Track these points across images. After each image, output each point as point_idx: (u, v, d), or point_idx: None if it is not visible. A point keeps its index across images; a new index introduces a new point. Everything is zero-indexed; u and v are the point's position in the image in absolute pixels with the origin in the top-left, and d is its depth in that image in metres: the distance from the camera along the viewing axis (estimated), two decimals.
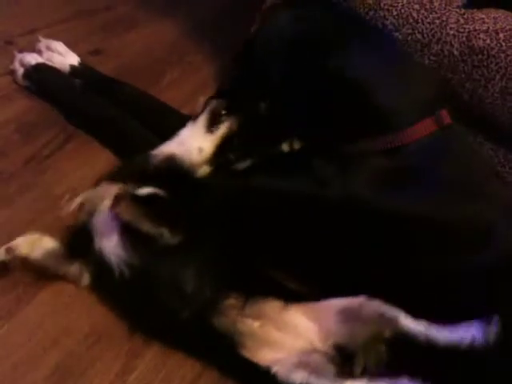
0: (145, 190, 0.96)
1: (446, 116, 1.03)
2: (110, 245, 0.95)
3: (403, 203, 0.94)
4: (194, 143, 1.05)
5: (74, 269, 0.97)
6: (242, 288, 0.94)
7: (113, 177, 1.05)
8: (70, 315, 1.00)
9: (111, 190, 0.95)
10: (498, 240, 0.95)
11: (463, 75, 1.28)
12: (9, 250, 0.94)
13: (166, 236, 0.97)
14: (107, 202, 0.93)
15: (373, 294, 0.93)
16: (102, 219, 0.98)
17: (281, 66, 1.03)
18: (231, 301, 0.93)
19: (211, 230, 1.01)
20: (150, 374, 0.97)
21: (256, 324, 0.93)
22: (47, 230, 1.05)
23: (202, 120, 1.07)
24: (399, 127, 0.98)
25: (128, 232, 0.95)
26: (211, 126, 1.06)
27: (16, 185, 1.18)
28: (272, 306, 0.93)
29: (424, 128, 0.99)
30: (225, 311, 0.93)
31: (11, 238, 1.00)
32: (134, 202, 0.96)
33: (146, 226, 0.95)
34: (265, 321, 0.93)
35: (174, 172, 1.02)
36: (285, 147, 1.04)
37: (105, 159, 1.28)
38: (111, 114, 1.35)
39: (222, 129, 1.05)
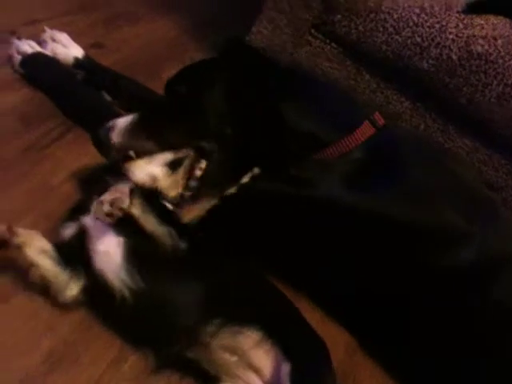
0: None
1: (379, 118, 1.11)
2: (113, 267, 0.94)
3: (369, 201, 1.03)
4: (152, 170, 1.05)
5: (63, 276, 0.94)
6: (226, 313, 0.94)
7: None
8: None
9: (124, 190, 0.95)
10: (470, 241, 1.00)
11: (461, 80, 1.30)
12: (9, 230, 0.92)
13: (173, 236, 0.98)
14: (99, 208, 0.91)
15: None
16: (95, 224, 0.97)
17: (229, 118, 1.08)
18: (212, 328, 0.93)
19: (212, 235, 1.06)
20: (144, 361, 0.96)
21: (233, 359, 0.93)
22: (43, 220, 1.06)
23: (172, 157, 1.07)
24: (341, 136, 1.06)
25: (131, 252, 0.95)
26: (175, 167, 1.07)
27: (14, 173, 1.18)
28: (248, 339, 0.93)
29: (363, 131, 1.07)
30: (204, 340, 0.93)
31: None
32: (143, 199, 0.97)
33: (154, 225, 0.97)
34: (240, 355, 0.93)
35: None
36: (246, 179, 1.08)
37: None
38: (104, 106, 1.36)
39: (182, 172, 1.07)
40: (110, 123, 1.08)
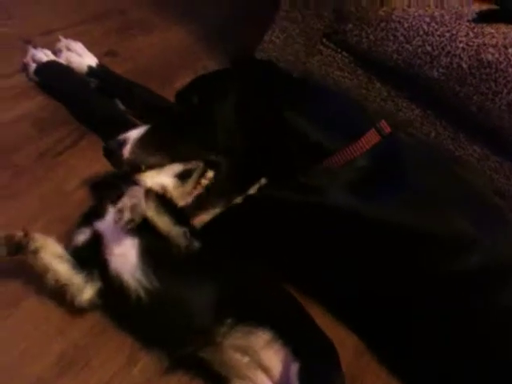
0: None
1: (385, 126, 1.11)
2: (129, 268, 0.96)
3: (375, 208, 1.04)
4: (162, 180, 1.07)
5: (78, 280, 0.96)
6: (239, 313, 0.96)
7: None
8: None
9: (139, 194, 0.97)
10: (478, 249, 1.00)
11: (471, 88, 1.31)
12: (26, 235, 0.93)
13: (187, 237, 0.99)
14: (119, 216, 0.93)
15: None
16: (109, 228, 0.98)
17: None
18: (224, 329, 0.94)
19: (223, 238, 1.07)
20: (154, 365, 0.97)
21: (244, 359, 0.94)
22: (56, 225, 1.07)
23: (182, 169, 1.09)
24: (346, 144, 1.07)
25: (146, 253, 0.97)
26: (184, 178, 1.09)
27: (27, 178, 1.20)
28: (259, 339, 0.94)
29: (368, 139, 1.08)
30: (216, 340, 0.94)
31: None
32: (158, 200, 0.99)
33: (168, 226, 0.98)
34: (250, 355, 0.94)
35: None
36: (253, 190, 1.10)
37: None
38: (117, 114, 1.38)
39: (191, 183, 1.08)
40: (121, 137, 1.09)
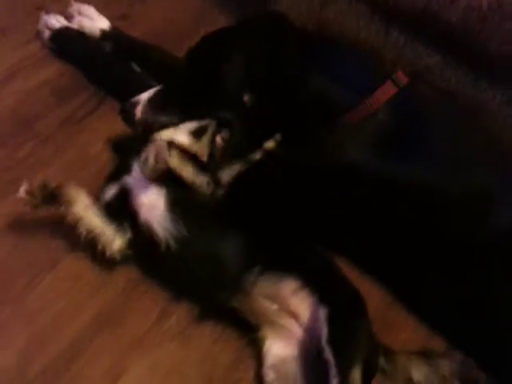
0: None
1: (402, 77, 1.08)
2: (157, 217, 0.98)
3: (400, 167, 1.03)
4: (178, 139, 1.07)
5: (109, 230, 0.99)
6: (266, 261, 0.98)
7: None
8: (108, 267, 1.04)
9: (162, 144, 0.99)
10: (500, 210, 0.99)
11: (491, 29, 1.27)
12: (59, 186, 0.97)
13: (210, 185, 1.01)
14: (144, 165, 0.96)
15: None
16: (137, 180, 1.01)
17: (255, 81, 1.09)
18: (252, 277, 0.96)
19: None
20: (186, 317, 1.01)
21: (273, 307, 0.96)
22: (83, 189, 1.07)
23: (196, 126, 1.09)
24: (362, 98, 1.04)
25: (173, 202, 0.99)
26: (199, 135, 1.09)
27: (52, 146, 1.23)
28: (287, 286, 0.96)
29: (385, 91, 1.05)
30: (245, 288, 0.96)
31: None
32: (180, 150, 1.01)
33: (192, 175, 1.00)
34: (279, 303, 0.96)
35: None
36: (270, 145, 1.10)
37: None
38: (134, 76, 1.37)
39: (206, 140, 1.08)
40: (134, 99, 1.12)
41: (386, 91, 1.06)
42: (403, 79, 1.09)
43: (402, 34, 1.46)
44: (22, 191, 0.94)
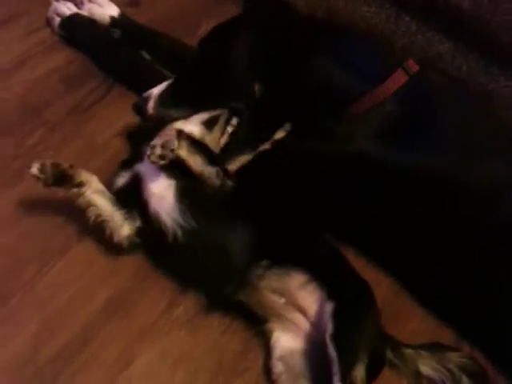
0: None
1: (413, 64, 1.07)
2: (166, 208, 0.99)
3: (408, 156, 1.02)
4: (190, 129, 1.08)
5: (118, 216, 1.00)
6: (273, 254, 0.98)
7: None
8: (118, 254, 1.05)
9: (171, 133, 0.99)
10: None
11: (503, 16, 1.25)
12: (72, 166, 0.97)
13: (219, 176, 1.01)
14: (152, 152, 0.95)
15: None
16: (148, 169, 1.01)
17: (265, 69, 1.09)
18: (259, 271, 0.96)
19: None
20: (193, 308, 1.01)
21: (281, 300, 0.97)
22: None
23: (208, 117, 1.10)
24: (373, 86, 1.04)
25: (182, 193, 0.99)
26: (211, 125, 1.09)
27: (61, 134, 1.23)
28: (294, 280, 0.96)
29: (396, 79, 1.05)
30: (253, 281, 0.96)
31: None
32: (190, 141, 1.00)
33: (201, 166, 1.00)
34: (287, 297, 0.96)
35: None
36: (280, 135, 1.10)
37: None
38: (143, 64, 1.38)
39: (218, 130, 1.10)
40: (146, 94, 1.15)
41: (397, 80, 1.05)
42: (414, 67, 1.08)
43: (413, 20, 1.45)
44: (35, 168, 0.94)
